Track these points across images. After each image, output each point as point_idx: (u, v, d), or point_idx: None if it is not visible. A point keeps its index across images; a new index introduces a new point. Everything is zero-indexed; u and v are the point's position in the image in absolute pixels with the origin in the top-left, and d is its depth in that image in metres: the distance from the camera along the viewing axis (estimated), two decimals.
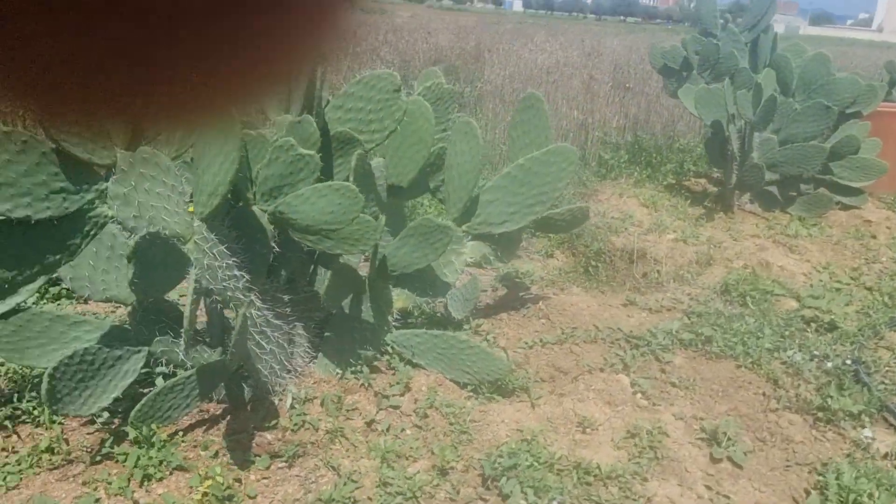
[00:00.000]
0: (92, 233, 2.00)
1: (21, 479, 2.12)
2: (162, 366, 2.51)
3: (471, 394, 2.76)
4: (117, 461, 2.17)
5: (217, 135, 2.04)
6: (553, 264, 4.21)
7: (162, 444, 2.23)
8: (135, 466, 2.13)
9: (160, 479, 2.13)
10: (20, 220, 1.79)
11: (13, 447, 2.24)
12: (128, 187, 2.02)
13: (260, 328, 2.49)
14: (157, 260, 2.06)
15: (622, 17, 55.56)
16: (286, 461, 2.30)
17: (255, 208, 2.37)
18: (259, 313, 2.46)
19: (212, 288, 2.25)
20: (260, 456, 2.29)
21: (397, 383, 2.74)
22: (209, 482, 2.03)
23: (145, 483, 2.11)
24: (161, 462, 2.17)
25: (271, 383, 2.62)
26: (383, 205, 2.79)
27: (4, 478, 2.10)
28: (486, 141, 5.15)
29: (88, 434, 2.31)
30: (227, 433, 2.43)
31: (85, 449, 2.24)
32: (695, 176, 6.18)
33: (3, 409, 2.36)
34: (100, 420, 2.35)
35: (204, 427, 2.44)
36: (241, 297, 2.36)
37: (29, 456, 2.17)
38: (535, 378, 2.89)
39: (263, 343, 2.51)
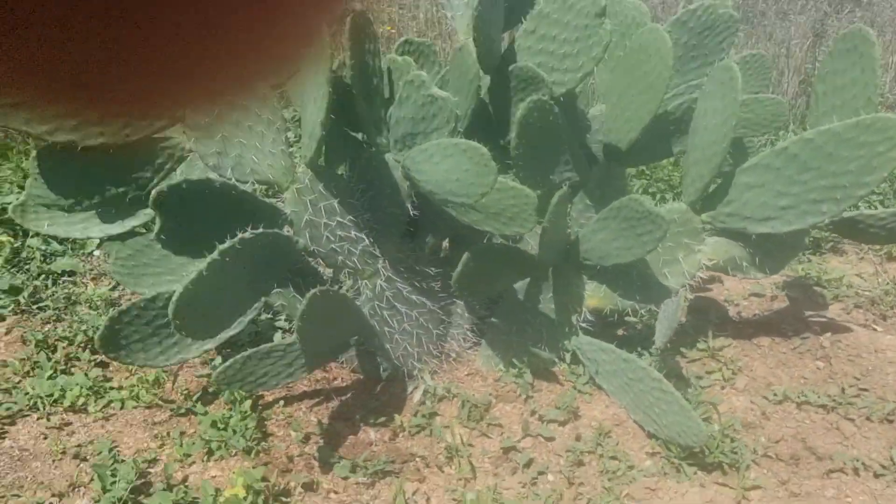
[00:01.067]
0: (167, 167, 1.70)
1: (122, 406, 2.02)
2: (283, 320, 2.22)
3: (655, 450, 1.98)
4: (200, 419, 1.95)
5: (311, 63, 1.55)
6: (893, 273, 2.94)
7: (246, 413, 1.95)
8: (205, 434, 1.89)
9: (220, 458, 1.85)
10: (63, 145, 1.54)
11: (134, 370, 2.16)
12: (210, 117, 1.66)
13: (391, 304, 2.03)
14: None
15: None
16: (369, 477, 1.85)
17: (387, 156, 1.86)
18: (387, 286, 2.00)
19: (314, 250, 1.83)
20: (340, 461, 1.88)
21: (564, 406, 2.08)
22: (250, 480, 1.68)
23: (206, 458, 1.86)
24: (233, 434, 1.89)
25: (407, 367, 2.17)
26: (587, 170, 2.05)
27: (107, 404, 2.02)
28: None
29: (198, 377, 2.14)
30: (333, 416, 2.06)
31: (184, 393, 2.06)
32: None
33: None
34: (214, 363, 2.16)
35: (313, 400, 2.11)
36: (358, 264, 1.91)
37: (135, 385, 2.07)
38: (762, 452, 1.97)
39: (393, 321, 2.05)
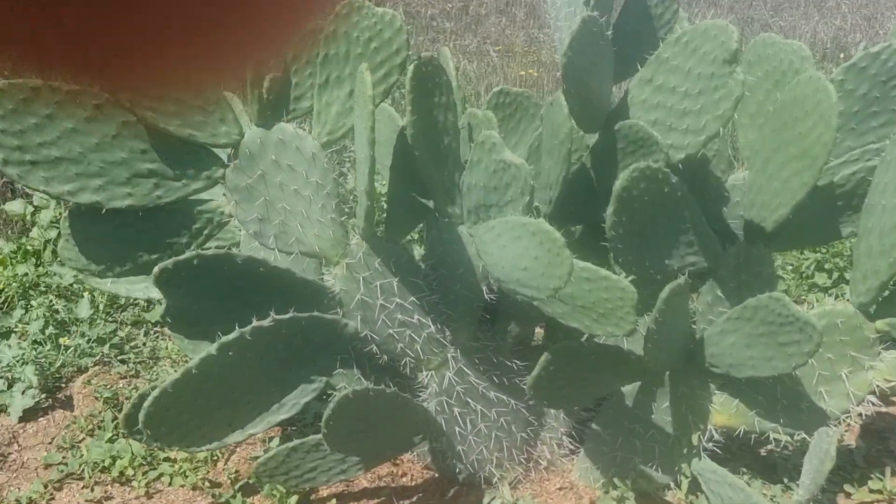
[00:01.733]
0: (206, 232, 1.50)
1: (170, 483, 1.85)
2: None
3: None
4: None
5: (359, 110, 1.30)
6: None
7: None
8: None
9: None
10: (88, 206, 1.39)
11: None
12: (252, 178, 1.45)
13: (462, 400, 1.70)
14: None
15: None
16: None
17: (461, 229, 1.55)
18: (458, 379, 1.67)
19: (367, 335, 1.56)
20: None
21: None
22: None
23: None
24: None
25: (483, 472, 1.82)
26: (719, 253, 1.62)
27: (156, 478, 1.86)
28: None
29: (243, 461, 1.92)
30: None
31: (232, 476, 1.86)
32: None
33: None
34: (272, 444, 1.94)
35: (372, 500, 1.82)
36: (421, 353, 1.61)
37: (186, 460, 1.89)
38: None
39: (465, 421, 1.72)
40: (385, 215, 1.59)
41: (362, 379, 1.78)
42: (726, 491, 1.65)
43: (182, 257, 1.25)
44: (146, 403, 1.14)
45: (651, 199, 1.44)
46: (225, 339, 1.21)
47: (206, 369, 1.18)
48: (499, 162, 1.35)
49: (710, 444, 1.74)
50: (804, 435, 1.68)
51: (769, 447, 1.96)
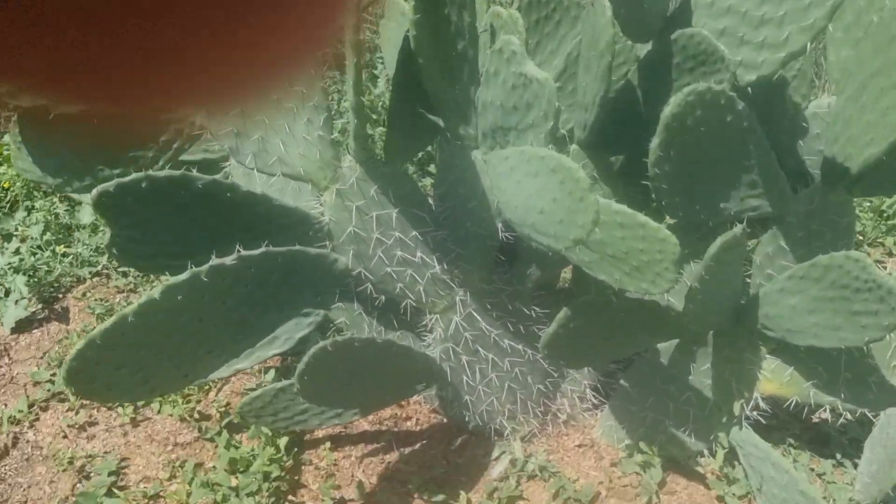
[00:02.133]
0: (175, 146, 1.28)
1: (159, 411, 1.73)
2: None
3: None
4: (220, 454, 1.59)
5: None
6: None
7: (276, 456, 1.56)
8: (217, 477, 1.52)
9: None
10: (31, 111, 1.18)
11: None
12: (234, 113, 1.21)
13: (471, 348, 1.50)
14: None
15: None
16: None
17: (474, 154, 1.30)
18: (466, 325, 1.46)
19: (360, 273, 1.35)
20: None
21: None
22: None
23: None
24: (252, 481, 1.51)
25: (494, 424, 1.64)
26: (789, 196, 1.34)
27: (144, 404, 1.74)
28: None
29: (236, 393, 1.77)
30: (385, 476, 1.60)
31: (222, 409, 1.72)
32: None
33: None
34: (268, 377, 1.79)
35: (371, 445, 1.66)
36: (424, 296, 1.40)
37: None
38: None
39: (474, 370, 1.53)
40: (386, 135, 1.34)
41: (363, 315, 1.59)
42: (768, 469, 1.43)
43: (127, 179, 1.04)
44: (68, 357, 0.96)
45: (709, 129, 1.16)
46: (173, 280, 1.01)
47: (149, 318, 0.99)
48: (518, 76, 1.08)
49: (755, 413, 1.51)
50: (867, 413, 1.43)
51: (822, 414, 1.72)
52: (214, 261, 1.07)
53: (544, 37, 1.47)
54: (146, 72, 0.21)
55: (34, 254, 2.18)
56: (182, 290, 1.02)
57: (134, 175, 1.04)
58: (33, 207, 2.36)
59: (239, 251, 1.13)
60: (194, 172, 1.11)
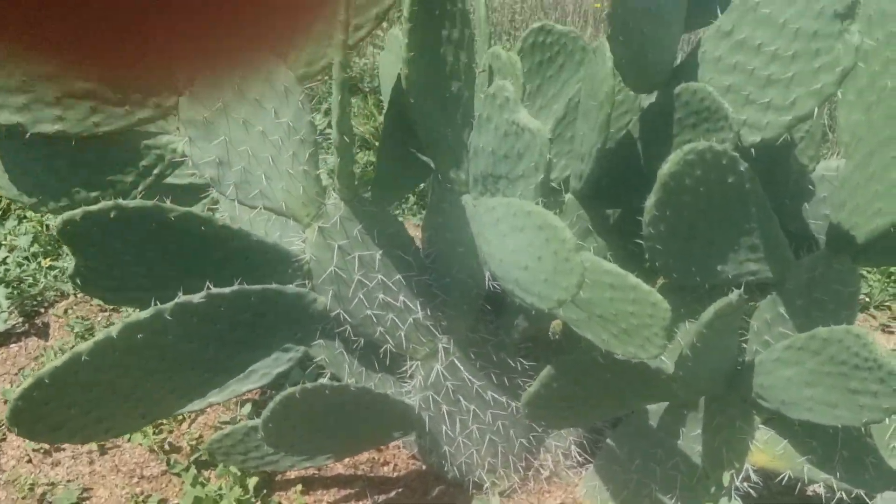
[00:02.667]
0: (156, 172, 1.24)
1: (129, 439, 1.67)
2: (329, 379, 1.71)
3: None
4: (186, 491, 1.53)
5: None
6: None
7: (244, 498, 1.49)
8: None
9: None
10: (9, 128, 1.14)
11: None
12: (211, 111, 1.17)
13: (452, 398, 1.44)
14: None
15: None
16: None
17: (465, 199, 1.25)
18: (447, 374, 1.41)
19: (339, 315, 1.29)
20: None
21: None
22: None
23: None
24: None
25: (473, 477, 1.58)
26: (789, 261, 1.28)
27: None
28: None
29: (209, 426, 1.71)
30: None
31: (192, 442, 1.66)
32: None
33: None
34: (243, 411, 1.73)
35: (345, 491, 1.60)
36: (405, 342, 1.34)
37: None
38: None
39: (454, 421, 1.46)
40: (375, 173, 1.30)
41: (345, 354, 1.54)
42: None
43: (94, 208, 0.99)
44: (13, 396, 0.91)
45: (708, 190, 1.11)
46: (133, 318, 0.96)
47: (105, 357, 0.94)
48: (511, 124, 1.03)
49: (745, 485, 1.44)
50: (865, 498, 1.36)
51: (816, 488, 1.65)
52: (181, 298, 1.02)
53: (546, 80, 1.43)
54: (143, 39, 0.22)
55: (20, 265, 2.14)
56: (143, 329, 0.97)
57: (102, 204, 1.00)
58: (24, 217, 2.32)
59: (209, 288, 1.08)
60: (167, 203, 1.06)
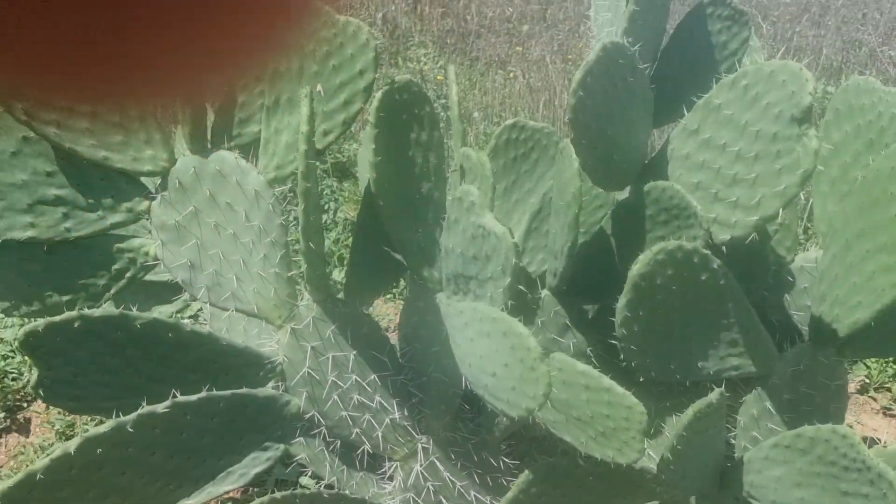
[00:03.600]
0: (128, 275, 1.24)
1: None
2: (309, 476, 1.67)
3: None
4: None
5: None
6: None
7: None
8: None
9: None
10: None
11: None
12: (183, 215, 1.17)
13: (434, 499, 1.39)
14: None
15: None
16: None
17: (439, 297, 1.23)
18: (428, 474, 1.36)
19: (313, 416, 1.27)
20: None
21: None
22: None
23: None
24: None
25: None
26: (772, 355, 1.25)
27: None
28: None
29: None
30: None
31: None
32: None
33: None
34: None
35: None
36: (381, 442, 1.31)
37: None
38: None
39: None
40: (347, 274, 1.29)
41: (325, 452, 1.50)
42: None
43: (58, 319, 0.98)
44: None
45: (681, 288, 1.09)
46: (93, 433, 0.94)
47: (61, 473, 0.91)
48: (477, 227, 1.03)
49: None
50: None
51: None
52: (143, 409, 1.00)
53: (522, 175, 1.44)
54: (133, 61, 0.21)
55: (5, 358, 2.12)
56: (103, 444, 0.94)
57: (66, 314, 0.99)
58: None
59: (175, 396, 1.06)
60: (133, 311, 1.05)
